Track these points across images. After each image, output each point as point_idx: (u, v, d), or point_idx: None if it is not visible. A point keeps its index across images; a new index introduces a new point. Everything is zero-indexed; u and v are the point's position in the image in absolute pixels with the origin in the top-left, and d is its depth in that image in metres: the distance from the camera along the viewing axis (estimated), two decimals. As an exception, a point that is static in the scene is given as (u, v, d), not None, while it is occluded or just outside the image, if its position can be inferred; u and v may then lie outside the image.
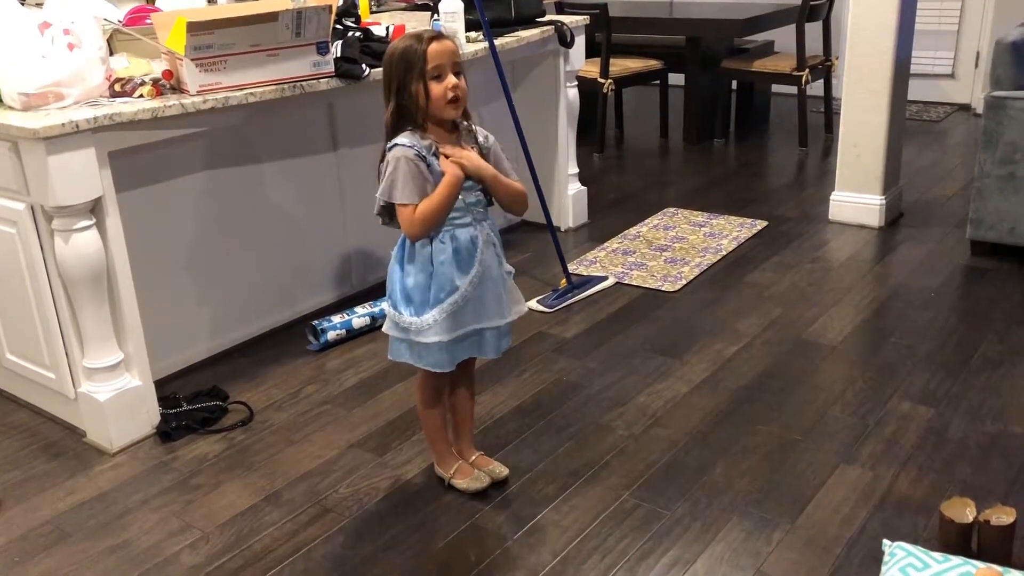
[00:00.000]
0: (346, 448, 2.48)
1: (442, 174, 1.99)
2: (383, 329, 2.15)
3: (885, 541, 1.86)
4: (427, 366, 2.09)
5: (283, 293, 3.19)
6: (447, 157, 1.99)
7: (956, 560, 1.73)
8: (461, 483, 2.26)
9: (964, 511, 1.88)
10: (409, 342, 2.08)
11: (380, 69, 2.79)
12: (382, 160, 2.02)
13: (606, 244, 3.84)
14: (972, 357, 2.81)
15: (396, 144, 1.98)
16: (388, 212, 2.04)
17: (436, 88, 1.95)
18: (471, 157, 2.02)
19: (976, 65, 5.80)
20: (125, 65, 2.55)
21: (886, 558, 1.80)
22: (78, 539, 2.17)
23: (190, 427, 2.58)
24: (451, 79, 1.96)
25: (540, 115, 3.89)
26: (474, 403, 2.33)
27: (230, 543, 2.13)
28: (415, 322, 2.04)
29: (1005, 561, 1.81)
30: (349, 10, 3.00)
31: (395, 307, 2.08)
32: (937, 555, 1.75)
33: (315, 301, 3.30)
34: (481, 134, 2.10)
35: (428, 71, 1.94)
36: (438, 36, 1.97)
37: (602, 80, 5.06)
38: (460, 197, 2.03)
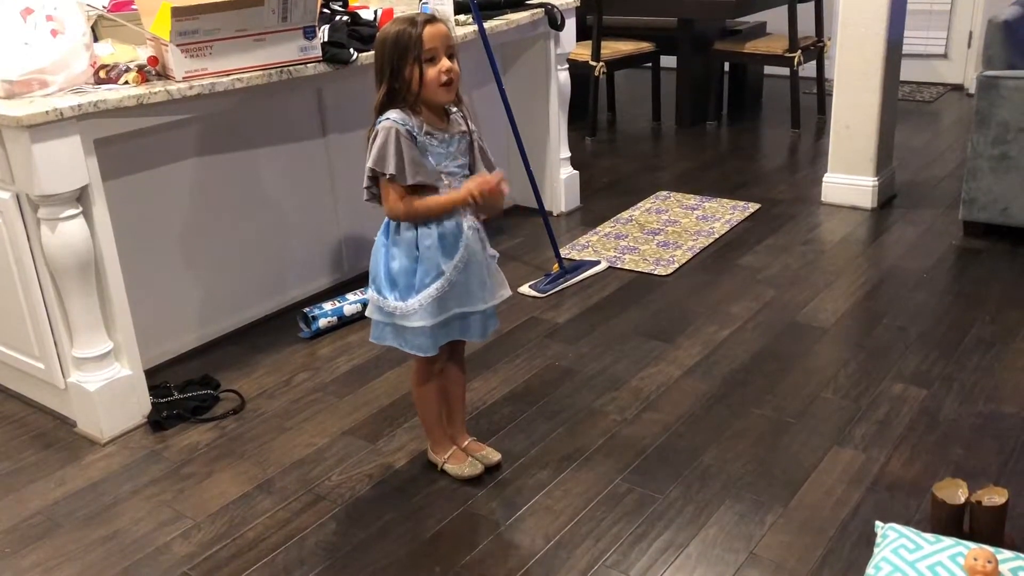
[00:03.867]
0: (338, 435, 2.47)
1: (434, 155, 1.99)
2: (366, 313, 2.14)
3: (878, 523, 1.86)
4: (410, 350, 2.09)
5: (274, 281, 3.17)
6: (472, 190, 1.99)
7: (948, 541, 1.73)
8: (454, 469, 2.25)
9: (956, 492, 1.88)
10: (393, 326, 2.08)
11: (369, 54, 2.80)
12: (371, 135, 2.00)
13: (598, 228, 3.83)
14: (964, 338, 2.81)
15: (388, 118, 1.96)
16: (376, 182, 2.03)
17: (430, 71, 1.94)
18: (490, 188, 2.01)
19: (969, 45, 5.78)
20: (110, 51, 2.52)
21: (878, 540, 1.80)
22: (69, 529, 2.16)
23: (181, 416, 2.56)
24: (445, 62, 1.95)
25: (531, 99, 3.87)
26: (465, 388, 2.33)
27: (222, 532, 2.12)
28: (400, 306, 2.04)
29: (997, 542, 1.81)
30: (337, -6, 2.97)
31: (379, 291, 2.07)
32: (929, 536, 1.75)
33: (306, 288, 3.28)
34: (471, 123, 2.09)
35: (423, 54, 1.92)
36: (432, 19, 1.96)
37: (593, 63, 5.03)
38: (446, 183, 2.02)
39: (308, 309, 3.04)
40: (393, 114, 1.96)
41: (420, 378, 2.20)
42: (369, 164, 1.98)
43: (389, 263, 2.05)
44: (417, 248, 2.02)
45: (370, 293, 2.10)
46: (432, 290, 2.02)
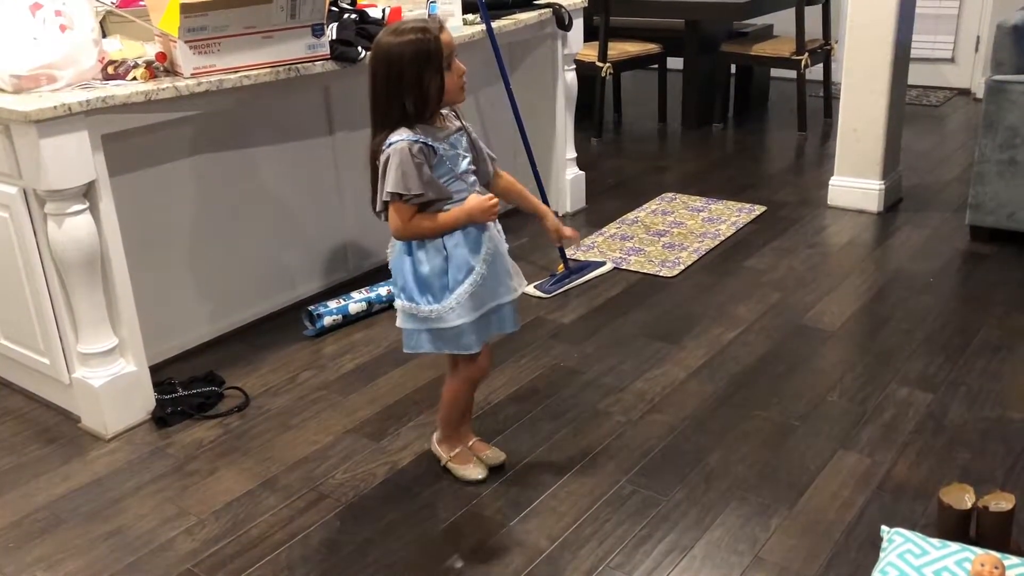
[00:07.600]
0: (343, 434, 2.47)
1: (450, 159, 1.99)
2: (397, 324, 2.11)
3: (883, 527, 1.85)
4: (455, 350, 2.08)
5: (279, 278, 3.17)
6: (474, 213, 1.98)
7: (955, 546, 1.72)
8: (458, 470, 2.25)
9: (963, 497, 1.87)
10: (429, 331, 2.05)
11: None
12: (374, 157, 1.97)
13: (604, 229, 3.82)
14: (971, 342, 2.80)
15: (400, 139, 1.93)
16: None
17: (452, 78, 1.94)
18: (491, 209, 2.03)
19: (976, 49, 5.77)
20: (118, 47, 2.53)
21: (884, 544, 1.79)
22: (73, 525, 2.16)
23: (186, 413, 2.56)
24: (459, 65, 1.96)
25: (538, 99, 3.87)
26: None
27: (226, 529, 2.12)
28: (436, 309, 2.02)
29: (1004, 547, 1.81)
30: (345, -8, 2.97)
31: (410, 299, 2.04)
32: (935, 541, 1.75)
33: (311, 286, 3.28)
34: (462, 120, 2.08)
35: (443, 60, 1.92)
36: (440, 25, 1.96)
37: (600, 64, 5.03)
38: (459, 177, 2.02)
39: (313, 307, 3.03)
40: (402, 134, 1.93)
41: (465, 377, 2.17)
42: (389, 189, 1.93)
43: (416, 268, 2.02)
44: (445, 248, 2.01)
45: (398, 303, 2.07)
46: (467, 286, 2.01)
